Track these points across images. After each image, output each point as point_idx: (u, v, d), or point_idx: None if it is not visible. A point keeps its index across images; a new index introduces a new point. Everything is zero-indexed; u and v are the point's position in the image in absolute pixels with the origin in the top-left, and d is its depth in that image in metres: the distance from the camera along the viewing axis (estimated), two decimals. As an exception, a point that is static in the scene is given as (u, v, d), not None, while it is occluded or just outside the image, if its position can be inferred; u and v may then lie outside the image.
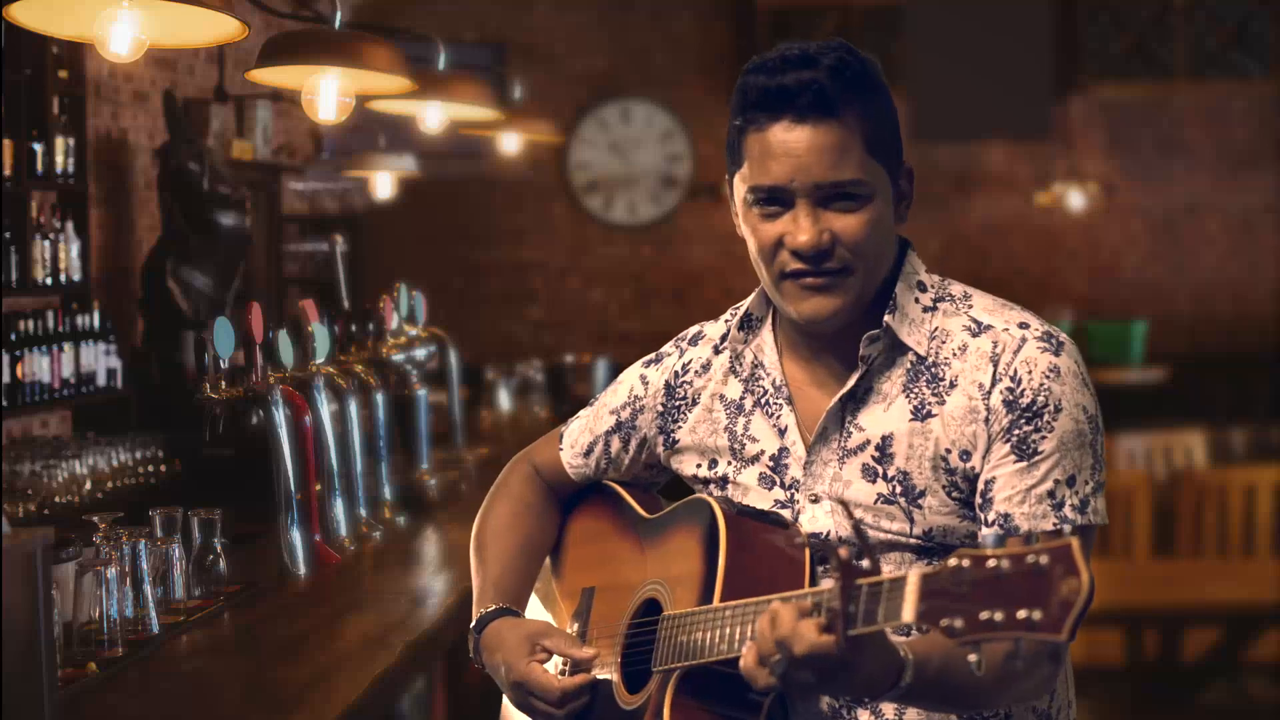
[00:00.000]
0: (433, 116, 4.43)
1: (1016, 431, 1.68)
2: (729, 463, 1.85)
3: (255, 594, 2.91)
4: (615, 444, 1.99)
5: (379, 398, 3.69)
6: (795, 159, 1.68)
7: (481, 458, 4.64)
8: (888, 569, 1.73)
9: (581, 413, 2.07)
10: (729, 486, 1.85)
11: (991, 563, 1.31)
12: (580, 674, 1.81)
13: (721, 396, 1.88)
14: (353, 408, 3.46)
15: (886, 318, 1.74)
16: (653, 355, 1.99)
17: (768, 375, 1.83)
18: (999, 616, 1.29)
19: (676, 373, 1.93)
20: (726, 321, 1.92)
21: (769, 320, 1.86)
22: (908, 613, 1.37)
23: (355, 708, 2.27)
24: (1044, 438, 1.67)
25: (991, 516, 1.68)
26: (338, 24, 3.21)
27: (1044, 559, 1.29)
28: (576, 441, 2.05)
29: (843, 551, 1.44)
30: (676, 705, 1.71)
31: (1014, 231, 9.43)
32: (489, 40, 8.91)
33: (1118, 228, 9.43)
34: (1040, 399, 1.67)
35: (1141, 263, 9.43)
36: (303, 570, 3.09)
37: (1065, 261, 9.44)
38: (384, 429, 3.70)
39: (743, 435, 1.84)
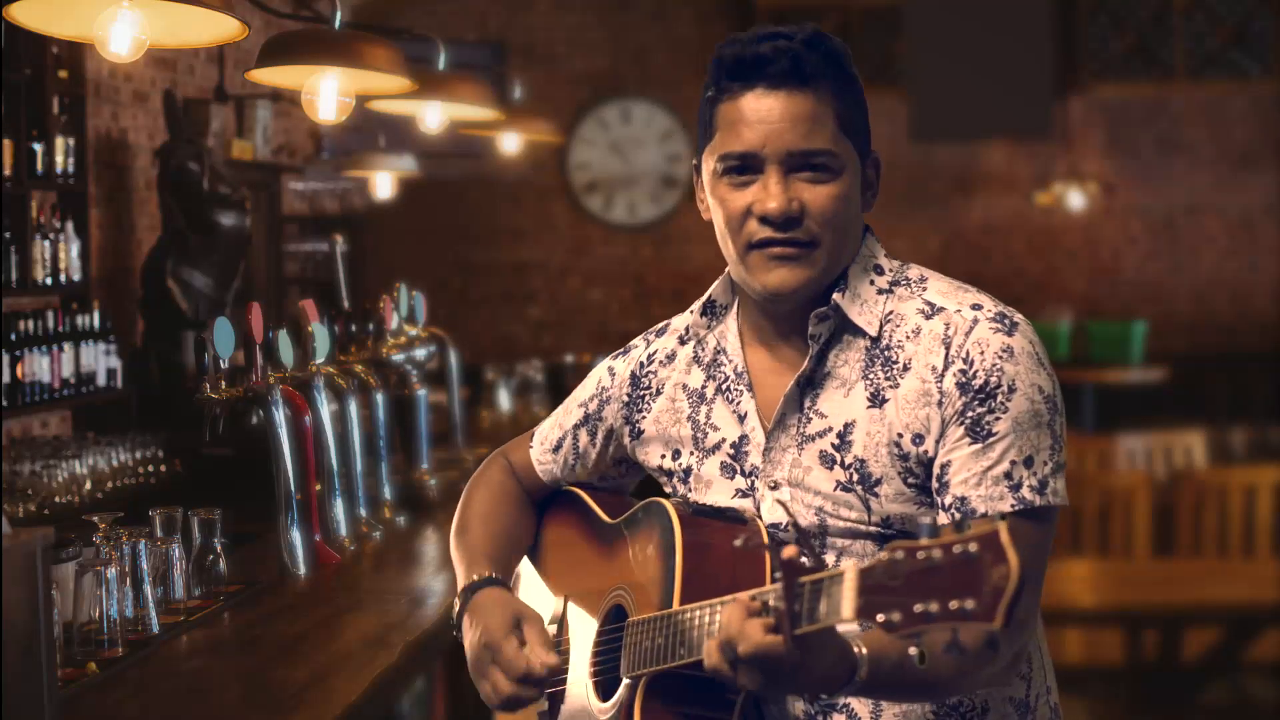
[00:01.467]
0: (433, 116, 4.42)
1: (970, 414, 1.66)
2: (691, 453, 1.85)
3: (255, 594, 2.91)
4: (583, 438, 1.99)
5: (379, 398, 3.69)
6: (768, 125, 1.69)
7: (481, 458, 4.62)
8: (850, 561, 1.72)
9: (555, 411, 2.07)
10: (691, 478, 1.84)
11: (922, 554, 1.30)
12: (550, 663, 1.78)
13: (684, 386, 1.88)
14: (353, 408, 3.45)
15: (835, 296, 1.74)
16: (621, 349, 2.00)
17: (729, 362, 1.84)
18: (933, 607, 1.28)
19: (642, 363, 1.94)
20: (693, 311, 1.92)
21: (733, 308, 1.86)
22: (847, 609, 1.36)
23: (355, 708, 2.27)
24: (998, 419, 1.65)
25: (948, 500, 1.66)
26: (338, 24, 3.21)
27: (973, 546, 1.28)
28: (546, 438, 2.05)
29: (787, 551, 1.43)
30: (646, 711, 1.70)
31: (1014, 231, 9.43)
32: (489, 40, 8.91)
33: (1118, 228, 9.43)
34: (993, 379, 1.66)
35: (1141, 263, 9.44)
36: (303, 570, 3.08)
37: (1065, 261, 9.44)
38: (384, 429, 3.70)
39: (705, 424, 1.84)
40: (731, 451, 1.81)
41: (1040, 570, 1.67)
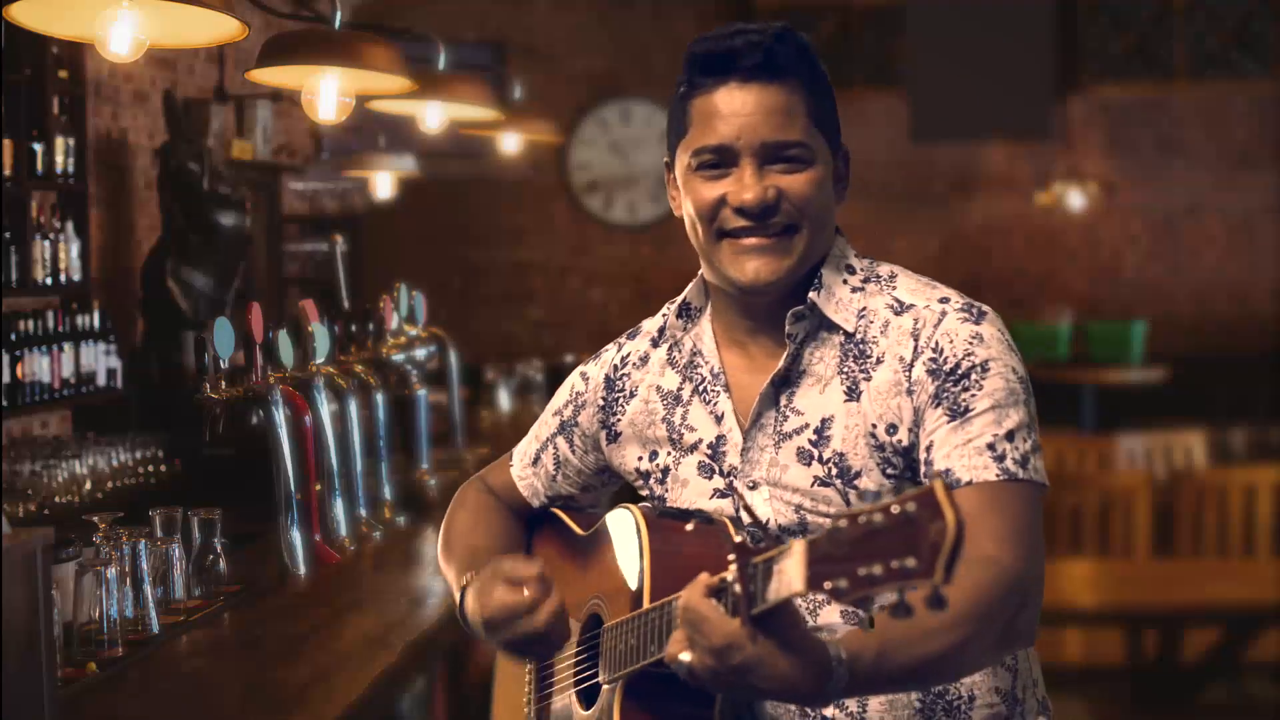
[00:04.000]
0: (433, 116, 4.43)
1: (945, 395, 1.67)
2: (668, 453, 1.85)
3: (255, 594, 2.91)
4: (562, 445, 1.99)
5: (379, 398, 3.69)
6: (742, 118, 1.71)
7: (481, 458, 4.64)
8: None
9: (529, 432, 2.07)
10: (669, 479, 1.84)
11: (864, 518, 1.31)
12: (533, 570, 1.75)
13: (658, 388, 1.88)
14: (353, 408, 3.46)
15: (811, 295, 1.75)
16: (594, 355, 2.00)
17: (706, 363, 1.84)
18: (877, 570, 1.29)
19: (615, 366, 1.94)
20: (664, 314, 1.92)
21: (707, 310, 1.87)
22: (797, 582, 1.36)
23: (355, 708, 2.27)
24: (974, 395, 1.66)
25: (934, 476, 1.66)
26: (338, 24, 3.21)
27: (910, 506, 1.28)
28: (525, 453, 2.04)
29: (738, 536, 1.44)
30: (625, 713, 1.70)
31: (1014, 231, 9.43)
32: (489, 40, 8.91)
33: (1118, 228, 9.43)
34: (965, 363, 1.67)
35: (1141, 263, 9.43)
36: (303, 570, 3.09)
37: (1065, 261, 9.44)
38: (384, 429, 3.70)
39: (680, 425, 1.84)
40: (709, 452, 1.81)
41: (1036, 545, 1.65)
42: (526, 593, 1.74)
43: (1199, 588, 5.18)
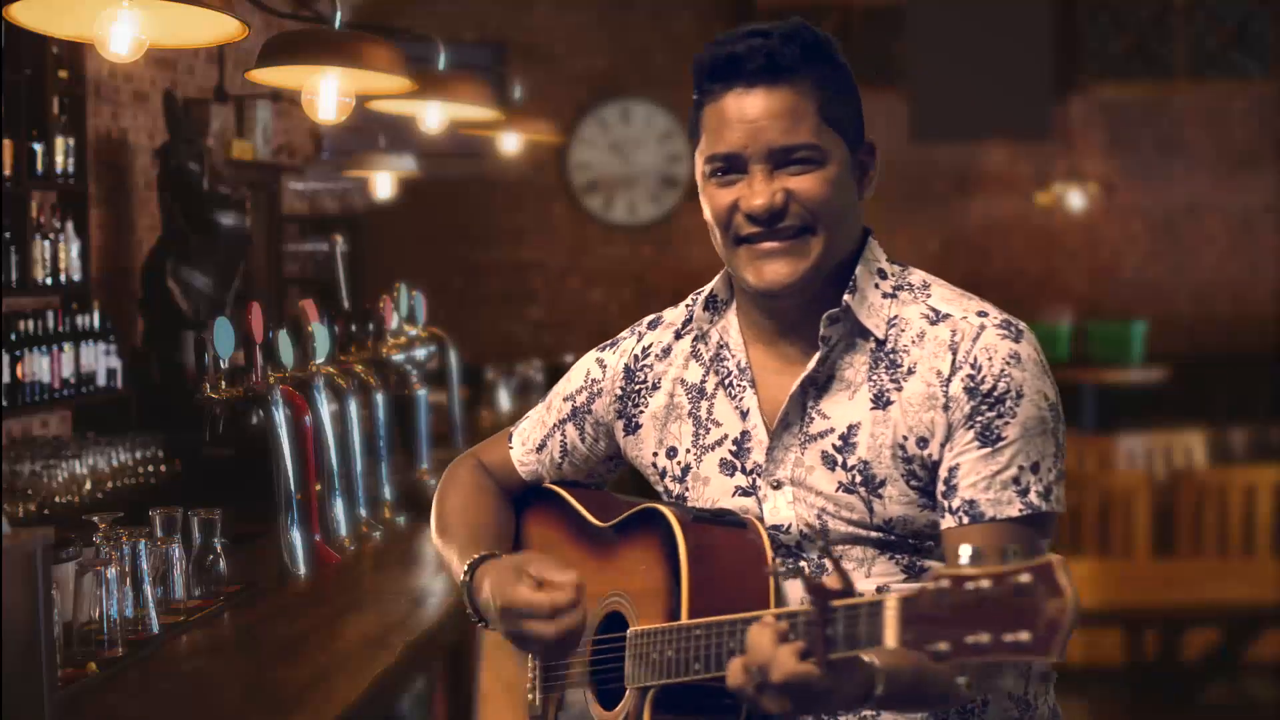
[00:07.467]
0: (433, 116, 4.43)
1: (979, 418, 1.66)
2: (688, 450, 1.82)
3: (255, 594, 2.91)
4: (571, 433, 1.95)
5: (379, 398, 3.69)
6: (747, 124, 1.69)
7: (481, 458, 4.63)
8: (849, 565, 1.71)
9: (531, 412, 2.03)
10: (689, 476, 1.82)
11: (971, 584, 1.28)
12: (570, 579, 1.73)
13: (683, 381, 1.85)
14: (353, 408, 3.45)
15: (846, 297, 1.73)
16: (608, 342, 1.97)
17: (732, 357, 1.81)
18: (985, 639, 1.26)
19: (636, 356, 1.90)
20: (688, 306, 1.90)
21: (733, 303, 1.84)
22: (890, 638, 1.34)
23: (355, 708, 2.27)
24: (1007, 424, 1.65)
25: (956, 504, 1.66)
26: (338, 24, 3.21)
27: (1025, 577, 1.26)
28: (528, 438, 2.00)
29: (830, 580, 1.42)
30: None
31: (1014, 231, 9.43)
32: (489, 40, 8.91)
33: (1118, 228, 9.43)
34: (1002, 385, 1.66)
35: (1141, 263, 9.44)
36: (303, 570, 3.08)
37: (1065, 261, 9.44)
38: (384, 429, 3.70)
39: (707, 420, 1.81)
40: (733, 448, 1.79)
41: None
42: (552, 596, 1.71)
43: (1199, 588, 5.19)
